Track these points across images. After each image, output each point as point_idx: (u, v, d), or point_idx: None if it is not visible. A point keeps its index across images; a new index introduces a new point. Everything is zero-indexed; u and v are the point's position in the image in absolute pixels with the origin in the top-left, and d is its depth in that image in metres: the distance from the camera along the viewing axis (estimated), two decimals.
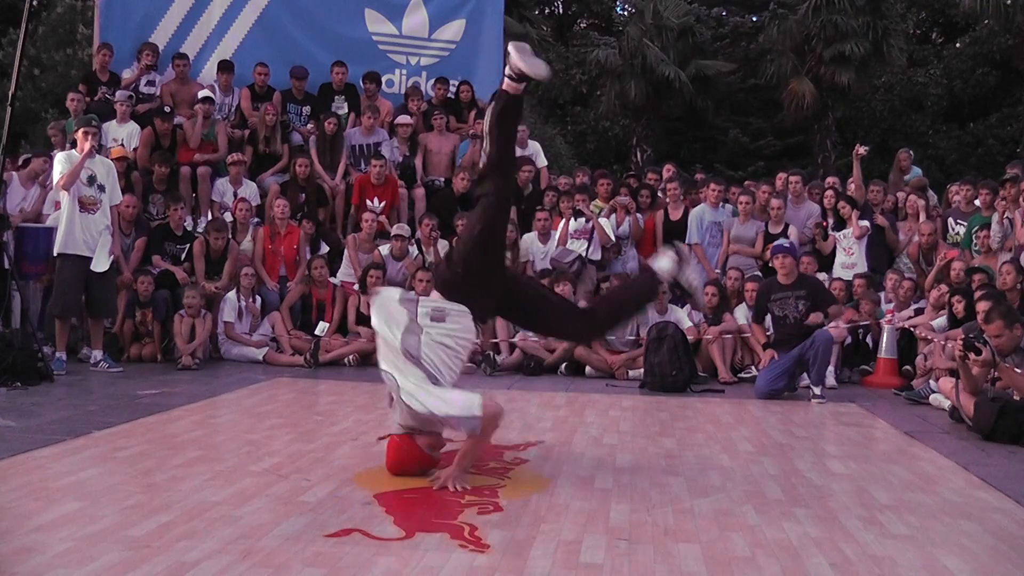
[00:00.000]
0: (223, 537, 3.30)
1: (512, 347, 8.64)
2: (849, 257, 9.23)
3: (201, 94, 10.16)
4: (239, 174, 9.79)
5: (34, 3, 9.55)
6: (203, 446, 4.89)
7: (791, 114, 22.59)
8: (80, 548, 3.14)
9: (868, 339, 8.66)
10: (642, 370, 7.88)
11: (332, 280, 9.16)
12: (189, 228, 9.32)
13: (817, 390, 7.17)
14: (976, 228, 8.82)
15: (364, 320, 8.77)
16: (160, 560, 3.04)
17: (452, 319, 4.16)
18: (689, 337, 8.03)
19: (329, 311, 8.91)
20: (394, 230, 9.39)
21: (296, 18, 11.21)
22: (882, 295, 8.81)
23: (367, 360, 8.13)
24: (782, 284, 7.56)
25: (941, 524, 3.75)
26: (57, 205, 8.21)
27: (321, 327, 8.76)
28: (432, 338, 4.09)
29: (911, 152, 11.68)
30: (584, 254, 9.35)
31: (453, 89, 11.23)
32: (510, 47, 4.19)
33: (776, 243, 8.20)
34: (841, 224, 9.42)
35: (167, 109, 10.12)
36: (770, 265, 8.09)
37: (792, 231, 9.32)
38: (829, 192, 9.78)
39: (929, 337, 7.90)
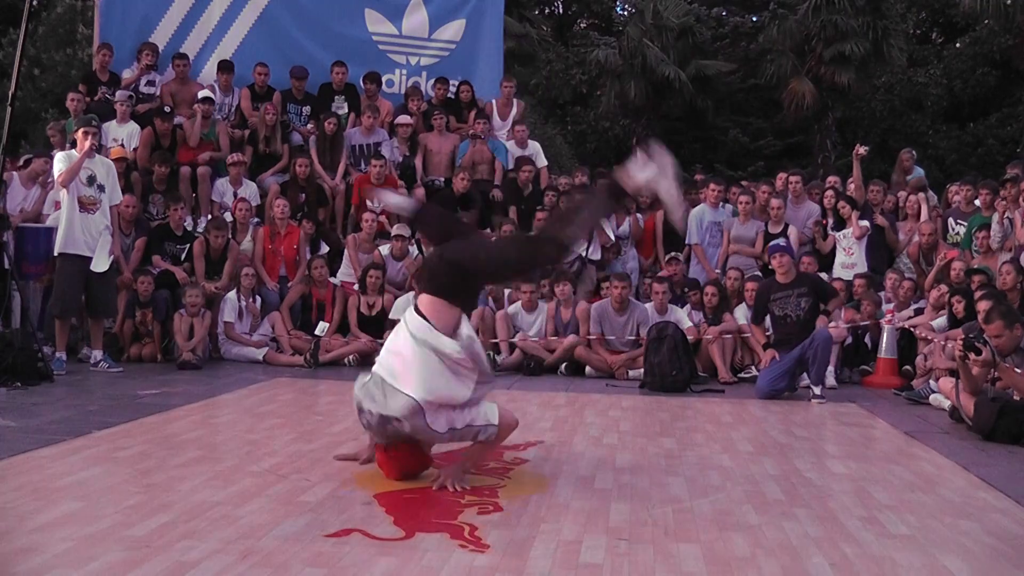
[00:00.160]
0: (223, 537, 3.30)
1: (512, 347, 8.64)
2: (849, 257, 9.23)
3: (201, 94, 10.16)
4: (239, 174, 9.79)
5: (34, 3, 9.55)
6: (203, 446, 4.89)
7: (791, 114, 22.59)
8: (80, 548, 3.14)
9: (868, 339, 8.66)
10: (642, 370, 7.88)
11: (332, 280, 9.16)
12: (189, 228, 9.32)
13: (817, 390, 7.18)
14: (976, 228, 8.82)
15: (364, 321, 8.78)
16: (160, 560, 3.04)
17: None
18: (689, 337, 8.04)
19: (329, 311, 8.91)
20: (394, 230, 9.40)
21: (296, 18, 11.21)
22: (882, 295, 8.81)
23: (367, 360, 8.11)
24: (781, 283, 7.56)
25: (941, 524, 3.75)
26: (57, 205, 8.20)
27: (321, 327, 8.76)
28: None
29: (914, 152, 11.67)
30: (584, 254, 9.35)
31: (453, 89, 11.23)
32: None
33: (772, 243, 8.21)
34: (841, 224, 9.42)
35: (167, 109, 10.12)
36: (770, 267, 8.09)
37: (792, 231, 9.32)
38: (829, 192, 9.78)
39: (929, 337, 7.90)
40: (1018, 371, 5.76)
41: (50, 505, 3.64)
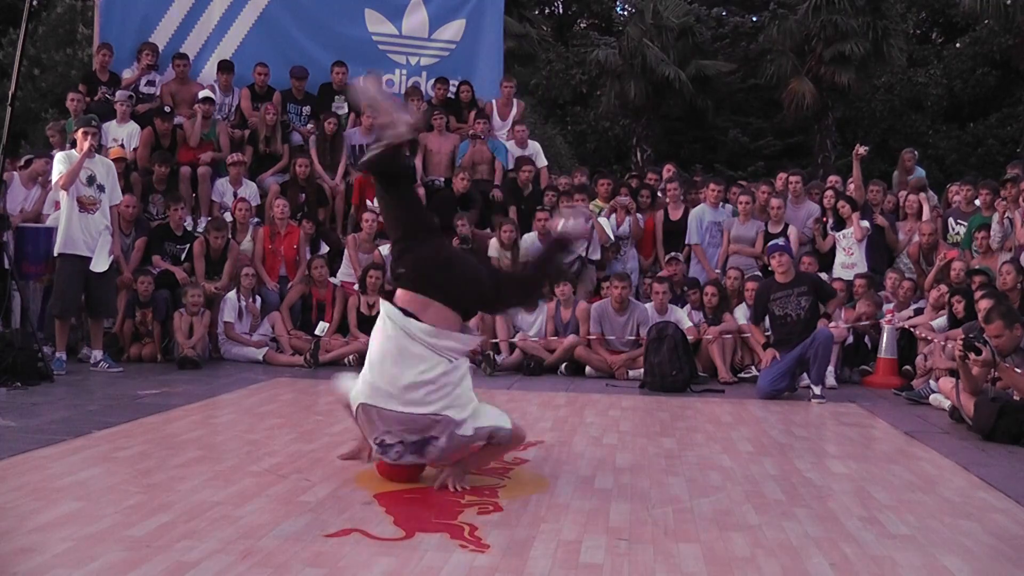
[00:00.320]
0: (223, 537, 3.30)
1: (512, 347, 8.64)
2: (849, 257, 9.23)
3: (201, 94, 10.16)
4: (239, 174, 9.79)
5: (34, 3, 9.55)
6: (203, 446, 4.89)
7: (791, 114, 22.59)
8: (80, 548, 3.14)
9: (867, 339, 8.66)
10: (642, 370, 7.88)
11: (332, 280, 9.16)
12: (189, 228, 9.32)
13: (817, 390, 7.18)
14: (976, 228, 8.82)
15: (364, 321, 8.78)
16: (160, 560, 3.04)
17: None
18: (689, 337, 8.03)
19: (329, 311, 8.91)
20: None
21: (296, 18, 11.20)
22: (882, 295, 8.81)
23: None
24: (781, 283, 7.56)
25: (941, 524, 3.75)
26: (57, 205, 8.20)
27: (321, 327, 8.76)
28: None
29: (915, 152, 11.67)
30: (584, 254, 9.35)
31: (453, 89, 11.23)
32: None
33: (771, 243, 8.21)
34: (841, 224, 9.42)
35: (167, 109, 10.12)
36: (769, 268, 8.09)
37: (792, 231, 9.32)
38: (829, 192, 9.77)
39: (929, 337, 7.90)
40: (1018, 371, 5.76)
41: (50, 505, 3.64)
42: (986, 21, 22.60)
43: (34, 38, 18.43)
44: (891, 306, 8.62)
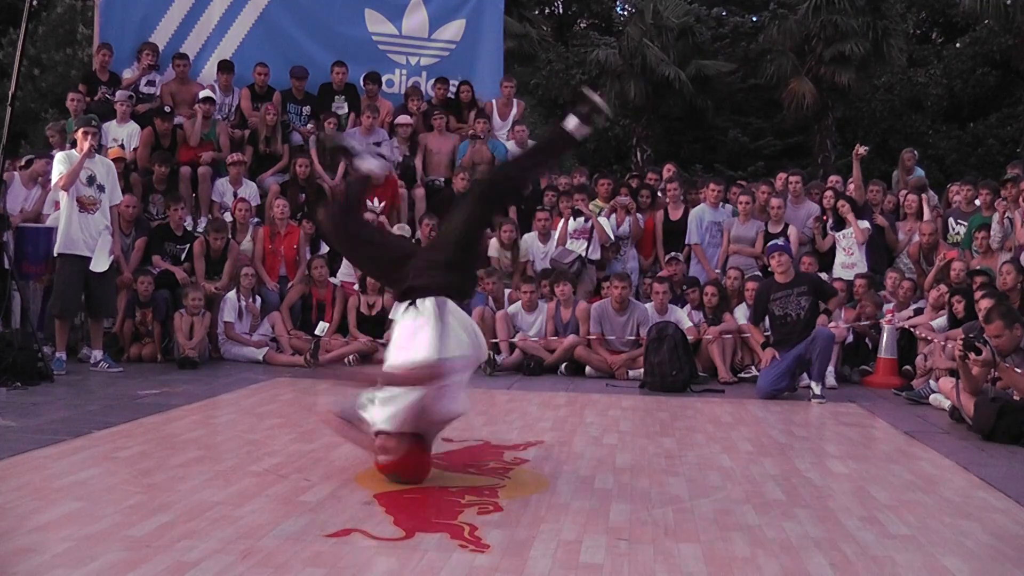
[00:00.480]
0: (223, 537, 3.30)
1: (512, 347, 8.64)
2: (849, 257, 9.23)
3: (201, 94, 10.16)
4: (239, 174, 9.79)
5: (34, 3, 9.55)
6: (203, 446, 4.90)
7: (791, 114, 22.58)
8: (80, 548, 3.14)
9: (867, 339, 8.66)
10: (642, 370, 7.88)
11: (332, 280, 9.16)
12: (189, 228, 9.32)
13: (817, 389, 7.18)
14: (976, 228, 8.82)
15: (364, 321, 8.78)
16: (160, 560, 3.04)
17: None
18: (689, 337, 8.03)
19: (329, 311, 8.91)
20: (394, 230, 9.40)
21: (296, 18, 11.20)
22: (881, 295, 8.81)
23: (367, 360, 8.12)
24: (781, 283, 7.56)
25: (941, 524, 3.75)
26: (57, 205, 8.20)
27: (321, 327, 8.76)
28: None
29: (915, 152, 11.68)
30: (584, 254, 9.36)
31: (453, 89, 11.23)
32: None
33: (771, 243, 8.21)
34: (841, 224, 9.41)
35: (167, 109, 10.12)
36: (769, 268, 8.09)
37: (792, 231, 9.32)
38: (828, 192, 9.77)
39: (929, 337, 7.90)
40: (1018, 371, 5.76)
41: (50, 505, 3.64)
42: (986, 21, 22.58)
43: (34, 38, 18.44)
44: (891, 306, 8.63)
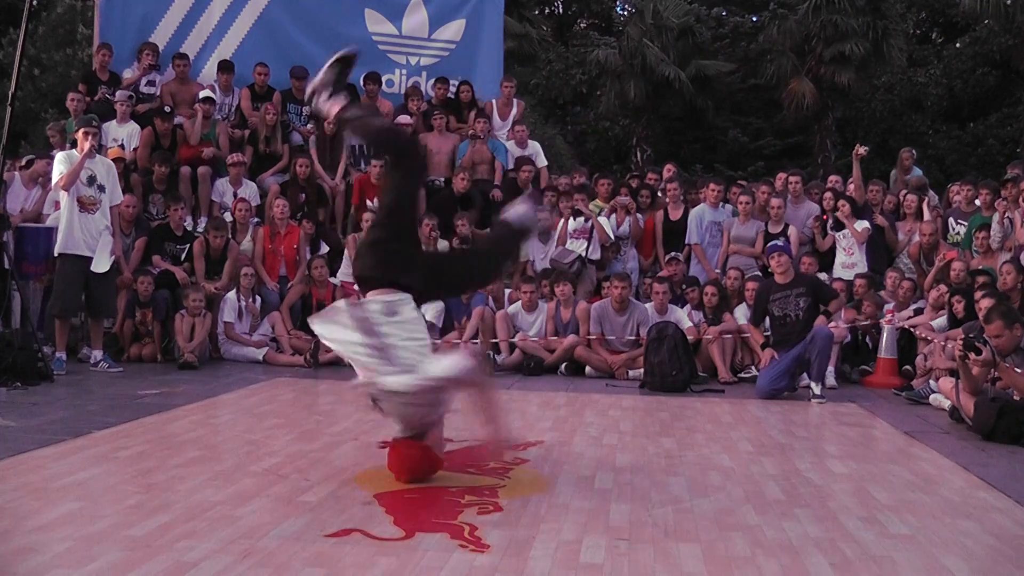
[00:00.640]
0: (223, 537, 3.30)
1: (512, 347, 8.64)
2: (849, 257, 9.23)
3: (201, 94, 10.16)
4: (239, 174, 9.79)
5: (34, 3, 9.55)
6: (203, 446, 4.90)
7: (791, 114, 22.59)
8: (80, 548, 3.14)
9: (868, 339, 8.66)
10: (642, 370, 7.88)
11: (332, 280, 9.16)
12: (189, 228, 9.32)
13: (817, 389, 7.17)
14: (976, 228, 8.82)
15: None
16: (160, 560, 3.04)
17: (404, 310, 4.05)
18: (689, 337, 8.03)
19: None
20: None
21: (296, 18, 11.21)
22: (881, 294, 8.81)
23: None
24: (780, 284, 7.56)
25: (941, 524, 3.75)
26: (57, 205, 8.21)
27: None
28: (399, 338, 3.95)
29: (913, 152, 11.68)
30: (584, 254, 9.36)
31: (453, 89, 11.23)
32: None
33: (770, 244, 8.20)
34: (841, 224, 9.41)
35: (167, 109, 10.12)
36: (769, 270, 8.09)
37: (792, 231, 9.32)
38: (828, 194, 9.75)
39: (929, 337, 7.90)
40: (1018, 371, 5.76)
41: (50, 505, 3.64)
42: (986, 21, 22.57)
43: (34, 38, 18.42)
44: (891, 306, 8.63)
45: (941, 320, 7.98)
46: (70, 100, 9.99)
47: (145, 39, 10.71)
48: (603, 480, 4.34)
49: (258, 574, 2.96)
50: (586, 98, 25.63)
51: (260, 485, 4.05)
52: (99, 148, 7.94)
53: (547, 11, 29.47)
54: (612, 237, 9.59)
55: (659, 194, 10.37)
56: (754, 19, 26.14)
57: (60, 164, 7.44)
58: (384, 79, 11.22)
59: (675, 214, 9.90)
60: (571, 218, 9.49)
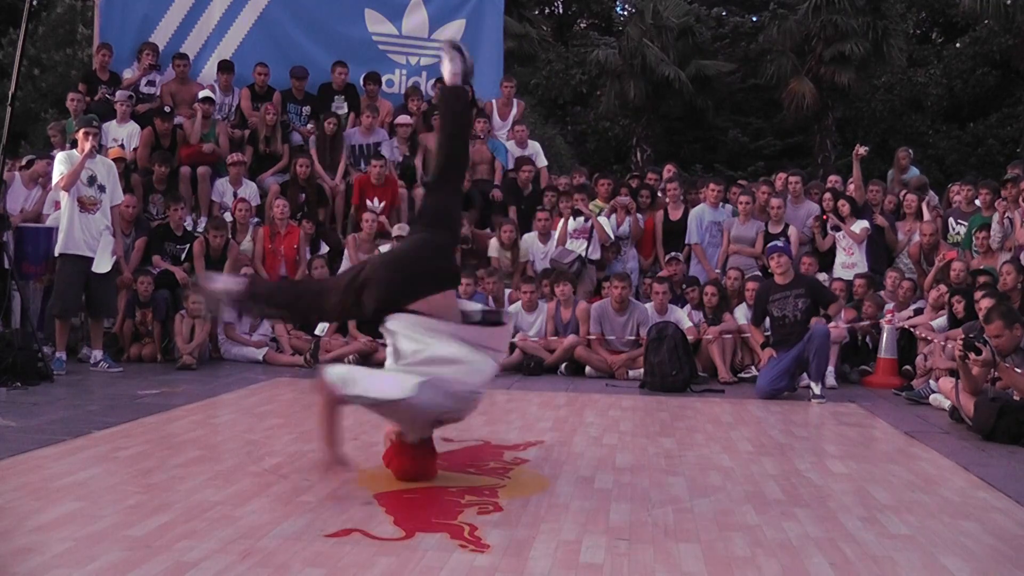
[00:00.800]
0: (223, 537, 3.30)
1: (512, 347, 8.63)
2: (849, 257, 9.23)
3: (201, 94, 10.16)
4: (239, 174, 9.79)
5: (34, 3, 9.56)
6: (203, 446, 4.90)
7: (791, 114, 22.58)
8: (80, 548, 3.14)
9: (868, 339, 8.66)
10: (642, 370, 7.88)
11: None
12: (189, 228, 9.32)
13: (817, 389, 7.17)
14: (976, 228, 8.82)
15: (365, 322, 8.76)
16: (160, 560, 3.04)
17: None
18: (689, 337, 8.03)
19: None
20: (394, 230, 9.39)
21: (296, 18, 11.21)
22: (881, 294, 8.81)
23: (367, 360, 8.12)
24: (780, 284, 7.56)
25: (941, 524, 3.75)
26: (57, 205, 8.21)
27: (321, 327, 8.76)
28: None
29: (910, 151, 11.70)
30: (584, 254, 9.36)
31: None
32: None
33: (770, 244, 8.20)
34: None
35: (167, 109, 10.12)
36: (769, 270, 8.10)
37: (792, 231, 9.32)
38: (827, 195, 9.75)
39: (929, 337, 7.90)
40: (1018, 371, 5.76)
41: (50, 505, 3.64)
42: (986, 21, 22.57)
43: (34, 38, 18.42)
44: (891, 306, 8.63)
45: (941, 320, 7.98)
46: (70, 100, 10.00)
47: (145, 39, 10.71)
48: (603, 480, 4.34)
49: (258, 574, 2.96)
50: (586, 98, 25.62)
51: (260, 485, 4.05)
52: (99, 148, 7.94)
53: (547, 11, 29.46)
54: (612, 237, 9.59)
55: (659, 194, 10.37)
56: (754, 19, 26.15)
57: (60, 164, 7.44)
58: (384, 79, 11.23)
59: (675, 214, 9.90)
60: (571, 218, 9.48)
